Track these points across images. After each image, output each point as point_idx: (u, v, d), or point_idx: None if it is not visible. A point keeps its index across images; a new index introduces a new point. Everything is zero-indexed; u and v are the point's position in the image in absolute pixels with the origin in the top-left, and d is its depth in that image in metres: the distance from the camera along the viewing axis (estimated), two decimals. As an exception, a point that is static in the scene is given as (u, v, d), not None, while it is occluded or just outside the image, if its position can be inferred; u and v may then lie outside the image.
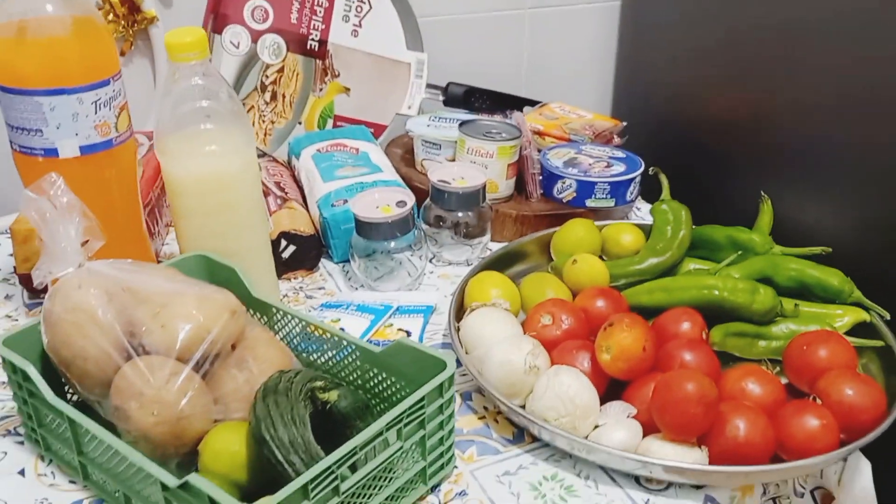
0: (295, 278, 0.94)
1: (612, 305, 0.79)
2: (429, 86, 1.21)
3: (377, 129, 1.20)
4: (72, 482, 0.66)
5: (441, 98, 1.24)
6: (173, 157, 0.75)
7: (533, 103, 1.26)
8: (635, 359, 0.69)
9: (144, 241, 0.82)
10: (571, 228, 0.91)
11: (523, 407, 0.69)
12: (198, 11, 1.09)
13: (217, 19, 1.09)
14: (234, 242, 0.79)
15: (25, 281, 0.89)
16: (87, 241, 0.67)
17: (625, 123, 1.17)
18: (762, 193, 0.90)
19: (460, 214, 0.94)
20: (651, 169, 0.93)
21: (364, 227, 0.87)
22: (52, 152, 0.70)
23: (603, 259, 0.90)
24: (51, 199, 0.65)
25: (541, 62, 1.34)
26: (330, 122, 1.18)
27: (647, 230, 0.93)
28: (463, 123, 1.02)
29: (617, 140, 1.16)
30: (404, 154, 1.13)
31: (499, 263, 0.90)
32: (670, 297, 0.80)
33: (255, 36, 1.11)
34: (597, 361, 0.71)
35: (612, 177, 1.00)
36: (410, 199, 0.89)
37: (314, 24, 1.13)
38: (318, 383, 0.62)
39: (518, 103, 1.26)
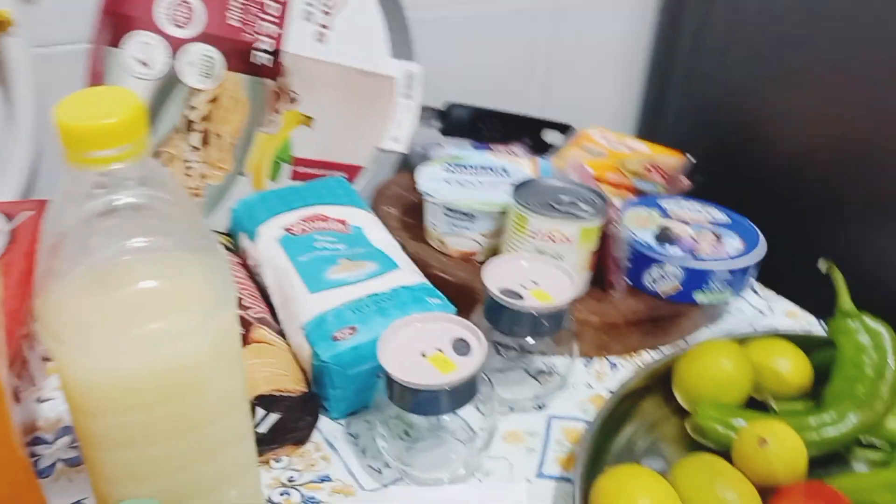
0: (277, 460, 0.58)
1: (844, 526, 0.48)
2: (422, 109, 0.86)
3: (350, 173, 0.84)
4: None
5: (438, 125, 0.89)
6: (79, 347, 0.38)
7: (557, 127, 0.93)
8: None
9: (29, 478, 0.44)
10: (712, 360, 0.59)
11: None
12: (80, 14, 0.69)
13: (115, 25, 0.69)
14: (196, 474, 0.43)
15: None
16: None
17: (693, 160, 0.86)
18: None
19: (532, 342, 0.61)
20: (820, 262, 0.62)
21: (408, 397, 0.52)
22: None
23: (772, 410, 0.59)
24: None
25: (559, 72, 1.01)
26: (286, 170, 0.81)
27: (806, 347, 0.63)
28: (519, 187, 0.68)
29: (684, 182, 0.84)
30: (403, 216, 0.78)
31: (609, 426, 0.58)
32: (928, 503, 0.50)
33: (176, 47, 0.72)
34: None
35: (731, 259, 0.69)
36: (477, 340, 0.54)
37: (263, 28, 0.75)
38: None
39: (537, 127, 0.93)
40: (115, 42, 0.69)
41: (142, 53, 0.70)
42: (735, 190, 0.86)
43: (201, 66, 0.73)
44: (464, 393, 0.52)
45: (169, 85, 0.72)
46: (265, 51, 0.76)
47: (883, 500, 0.51)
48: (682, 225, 0.73)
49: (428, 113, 0.87)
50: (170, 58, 0.72)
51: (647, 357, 0.69)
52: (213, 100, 0.75)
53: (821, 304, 0.75)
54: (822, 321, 0.74)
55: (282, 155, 0.80)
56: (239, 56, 0.75)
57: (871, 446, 0.58)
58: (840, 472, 0.57)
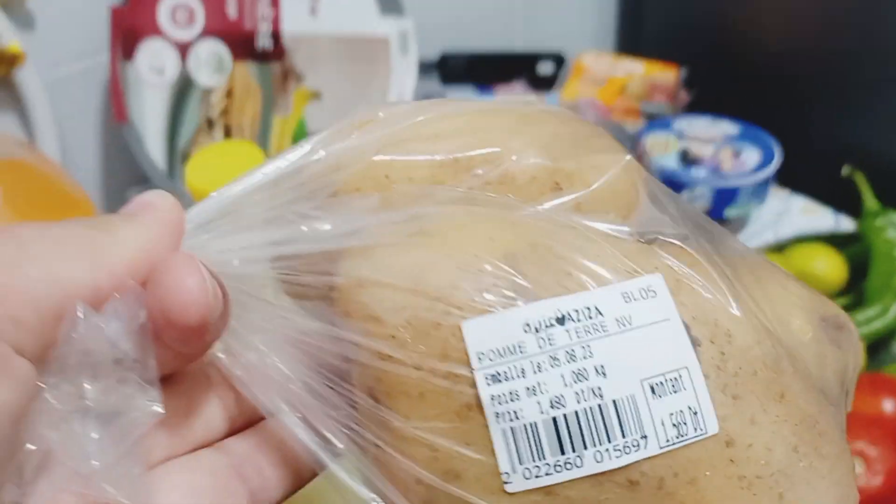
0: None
1: (912, 409, 0.54)
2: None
3: (363, 138, 0.85)
4: None
5: (436, 77, 0.90)
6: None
7: (549, 58, 0.95)
8: None
9: None
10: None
11: None
12: (83, 33, 0.68)
13: (125, 38, 0.68)
14: None
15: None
16: None
17: (685, 70, 0.89)
18: None
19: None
20: (845, 168, 0.66)
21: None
22: None
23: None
24: None
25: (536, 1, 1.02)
26: (307, 148, 0.82)
27: (837, 244, 0.68)
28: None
29: (683, 95, 0.88)
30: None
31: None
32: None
33: (183, 49, 0.72)
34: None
35: (755, 172, 0.72)
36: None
37: (261, 13, 0.75)
38: None
39: (530, 62, 0.94)
40: (129, 55, 0.69)
41: (155, 61, 0.70)
42: (731, 94, 0.89)
43: (211, 62, 0.73)
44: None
45: (184, 87, 0.72)
46: (267, 34, 0.76)
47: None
48: (701, 144, 0.76)
49: (424, 67, 0.88)
50: (180, 60, 0.71)
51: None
52: (228, 93, 0.75)
53: (836, 193, 0.79)
54: (840, 212, 0.79)
55: (299, 134, 0.81)
56: (243, 45, 0.75)
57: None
58: (885, 359, 0.63)
